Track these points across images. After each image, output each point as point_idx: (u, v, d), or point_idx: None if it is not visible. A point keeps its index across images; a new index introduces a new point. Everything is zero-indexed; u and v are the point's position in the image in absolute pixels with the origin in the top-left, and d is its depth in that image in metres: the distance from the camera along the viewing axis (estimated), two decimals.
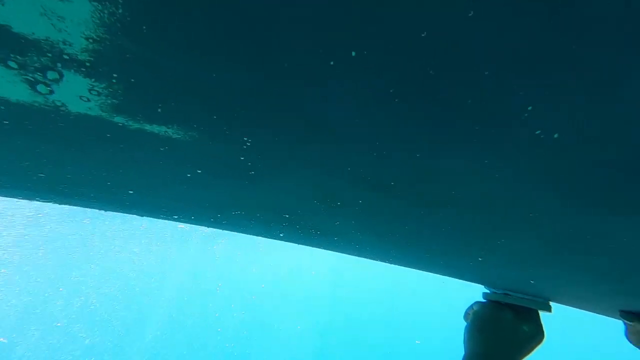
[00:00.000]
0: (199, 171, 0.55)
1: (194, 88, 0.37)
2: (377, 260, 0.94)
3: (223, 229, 0.84)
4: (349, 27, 0.29)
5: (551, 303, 0.86)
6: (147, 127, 0.44)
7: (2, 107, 0.36)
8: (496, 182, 0.44)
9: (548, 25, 0.26)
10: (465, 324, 0.86)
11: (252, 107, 0.39)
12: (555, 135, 0.36)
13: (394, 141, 0.40)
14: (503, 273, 0.72)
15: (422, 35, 0.28)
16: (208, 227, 0.83)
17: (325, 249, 0.92)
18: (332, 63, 0.32)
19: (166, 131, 0.45)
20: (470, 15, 0.26)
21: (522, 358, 0.78)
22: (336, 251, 0.94)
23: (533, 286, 0.75)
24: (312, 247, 0.91)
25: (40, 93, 0.34)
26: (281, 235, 0.84)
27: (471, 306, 0.87)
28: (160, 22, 0.29)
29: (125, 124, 0.41)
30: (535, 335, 0.80)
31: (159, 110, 0.41)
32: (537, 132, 0.36)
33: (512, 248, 0.60)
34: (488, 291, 0.88)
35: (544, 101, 0.33)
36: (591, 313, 0.93)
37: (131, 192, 0.61)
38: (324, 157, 0.47)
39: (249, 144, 0.46)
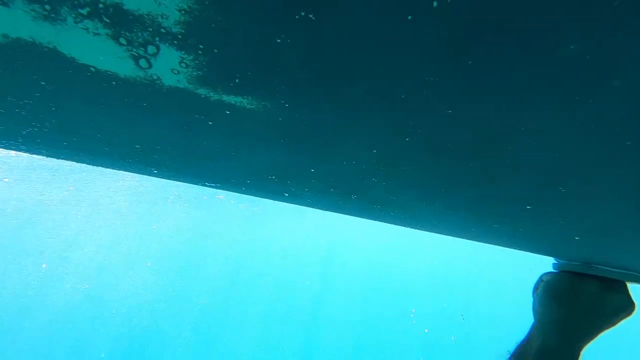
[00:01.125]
0: (266, 140, 0.58)
1: (267, 57, 0.39)
2: (441, 233, 0.94)
3: (283, 201, 0.89)
4: None
5: None
6: (226, 98, 0.47)
7: (113, 83, 0.40)
8: (577, 139, 0.41)
9: None
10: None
11: (319, 72, 0.40)
12: None
13: (465, 95, 0.39)
14: (583, 242, 0.68)
15: None
16: (270, 199, 0.87)
17: (382, 221, 0.93)
18: (410, 17, 0.32)
19: (241, 101, 0.48)
20: None
21: (608, 329, 0.75)
22: (390, 222, 0.95)
23: (619, 257, 0.70)
24: (371, 219, 0.93)
25: (141, 67, 0.38)
26: (339, 205, 0.86)
27: (540, 278, 0.84)
28: None
29: (207, 95, 0.45)
30: (626, 306, 0.76)
31: (237, 80, 0.44)
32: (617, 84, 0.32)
33: (596, 214, 0.56)
34: (560, 262, 0.84)
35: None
36: None
37: (209, 160, 0.66)
38: (388, 120, 0.47)
39: (316, 110, 0.48)
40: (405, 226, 1.01)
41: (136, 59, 0.37)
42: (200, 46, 0.37)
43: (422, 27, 0.31)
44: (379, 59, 0.37)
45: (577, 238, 0.64)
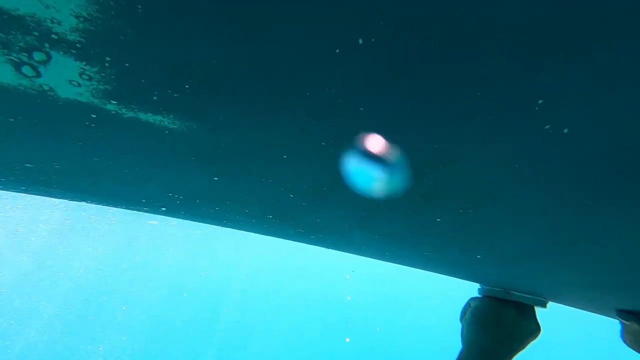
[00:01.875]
0: (193, 163, 0.53)
1: (193, 76, 0.35)
2: (372, 257, 0.94)
3: (214, 224, 0.82)
4: (358, 13, 0.27)
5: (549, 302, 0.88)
6: (142, 115, 0.41)
7: None
8: (499, 175, 0.44)
9: (559, 18, 0.26)
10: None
11: (253, 96, 0.37)
12: (565, 131, 0.36)
13: (395, 130, 0.39)
14: (502, 271, 0.73)
15: (432, 24, 0.28)
16: (198, 222, 0.80)
17: (316, 245, 0.91)
18: (337, 51, 0.31)
19: (162, 120, 0.43)
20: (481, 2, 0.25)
21: (520, 351, 0.81)
22: (328, 247, 0.93)
23: (531, 284, 0.77)
24: (305, 243, 0.90)
25: (25, 75, 0.31)
26: (278, 230, 0.82)
27: (468, 303, 0.88)
28: (157, 2, 0.27)
29: (119, 111, 0.39)
30: (535, 330, 0.84)
31: (155, 98, 0.39)
32: (546, 127, 0.35)
33: (512, 245, 0.60)
34: (484, 287, 0.89)
35: (556, 94, 0.32)
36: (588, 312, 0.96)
37: (120, 183, 0.58)
38: (321, 148, 0.46)
39: (247, 135, 0.45)
40: (342, 251, 1.00)
41: (17, 65, 0.30)
42: (107, 58, 0.32)
43: (349, 60, 0.31)
44: (313, 86, 0.35)
45: (495, 267, 0.69)
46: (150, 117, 0.42)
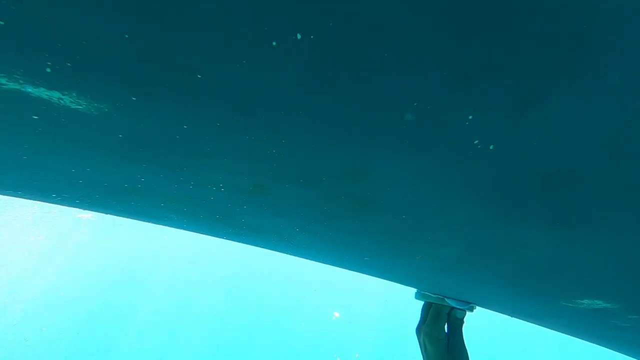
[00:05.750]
0: (106, 150, 0.46)
1: (94, 44, 0.29)
2: (315, 260, 0.92)
3: (139, 220, 0.74)
4: (299, 7, 0.25)
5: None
6: (32, 90, 0.35)
7: None
8: (425, 187, 0.44)
9: (487, 36, 0.26)
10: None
11: (168, 76, 0.33)
12: (491, 147, 0.36)
13: (327, 135, 0.38)
14: (435, 276, 0.74)
15: (367, 32, 0.26)
16: (119, 216, 0.72)
17: (256, 245, 0.87)
18: (274, 44, 0.28)
19: (61, 98, 0.36)
20: (408, 20, 0.25)
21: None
22: (268, 249, 0.90)
23: (462, 290, 0.79)
24: (244, 243, 0.86)
25: None
26: (209, 229, 0.76)
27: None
28: None
29: None
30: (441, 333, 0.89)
31: (48, 70, 0.32)
32: (475, 142, 0.36)
33: (438, 253, 0.61)
34: (420, 292, 0.92)
35: (484, 111, 0.32)
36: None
37: (21, 169, 0.49)
38: (253, 145, 0.42)
39: (172, 122, 0.40)
40: (287, 253, 0.97)
41: None
42: None
43: (286, 54, 0.29)
44: (245, 75, 0.32)
45: (428, 272, 0.71)
46: (44, 93, 0.35)
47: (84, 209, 0.69)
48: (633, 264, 0.50)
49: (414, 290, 0.94)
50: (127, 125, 0.40)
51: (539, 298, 0.74)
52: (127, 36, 0.29)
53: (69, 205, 0.69)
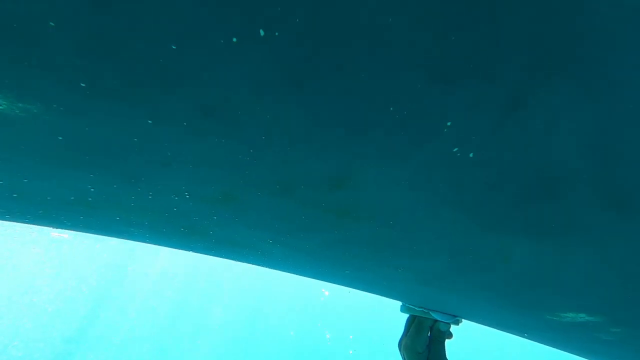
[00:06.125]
0: (41, 158, 0.40)
1: (25, 34, 0.24)
2: (295, 274, 0.87)
3: (96, 234, 0.67)
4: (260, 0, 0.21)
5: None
6: None
7: None
8: (406, 196, 0.42)
9: (467, 39, 0.23)
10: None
11: (113, 70, 0.28)
12: (471, 155, 0.34)
13: (302, 141, 0.35)
14: (419, 289, 0.71)
15: (337, 29, 0.24)
16: (72, 230, 0.65)
17: (228, 258, 0.81)
18: (235, 40, 0.24)
19: None
20: (389, 21, 0.23)
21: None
22: (241, 261, 0.84)
23: (446, 302, 0.76)
24: (215, 256, 0.79)
25: None
26: (176, 242, 0.70)
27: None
28: None
29: None
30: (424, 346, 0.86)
31: None
32: (454, 150, 0.33)
33: (422, 265, 0.58)
34: (405, 305, 0.89)
35: (464, 118, 0.30)
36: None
37: None
38: (220, 151, 0.38)
39: (117, 127, 0.34)
40: (263, 266, 0.91)
41: None
42: None
43: (249, 52, 0.27)
44: (206, 76, 0.28)
45: (411, 285, 0.67)
46: None
47: (27, 223, 0.61)
48: (615, 275, 0.48)
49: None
50: (66, 128, 0.35)
51: (524, 311, 0.72)
52: (52, 24, 0.23)
53: (6, 220, 0.62)
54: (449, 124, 0.31)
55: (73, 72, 0.29)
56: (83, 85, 0.30)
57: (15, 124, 0.34)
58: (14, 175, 0.42)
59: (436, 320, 0.86)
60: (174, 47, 0.27)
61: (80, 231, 0.66)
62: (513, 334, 0.98)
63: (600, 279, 0.51)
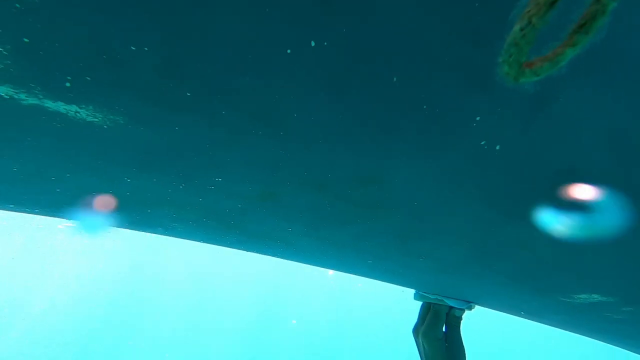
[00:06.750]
0: (119, 162, 0.46)
1: (116, 60, 0.30)
2: (316, 265, 0.92)
3: (142, 231, 0.73)
4: (313, 15, 0.25)
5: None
6: (50, 104, 0.34)
7: None
8: (434, 188, 0.45)
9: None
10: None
11: (184, 86, 0.33)
12: (497, 147, 0.37)
13: (340, 141, 0.39)
14: (438, 278, 0.76)
15: (380, 38, 0.27)
16: (127, 229, 0.71)
17: (261, 253, 0.87)
18: (289, 51, 0.29)
19: (77, 112, 0.36)
20: (421, 25, 0.25)
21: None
22: (269, 255, 0.89)
23: (463, 289, 0.81)
24: (248, 251, 0.85)
25: None
26: (212, 237, 0.76)
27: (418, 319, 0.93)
28: None
29: (16, 97, 0.32)
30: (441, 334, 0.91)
31: (68, 84, 0.32)
32: (482, 143, 0.37)
33: (444, 254, 0.63)
34: (419, 293, 0.93)
35: (494, 113, 0.33)
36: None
37: (24, 183, 0.48)
38: (264, 153, 0.42)
39: (183, 134, 0.40)
40: (289, 259, 0.97)
41: None
42: None
43: (300, 61, 0.29)
44: (260, 85, 0.32)
45: (432, 275, 0.72)
46: (61, 107, 0.35)
47: (127, 228, 0.68)
48: (632, 258, 0.52)
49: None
50: (143, 137, 0.40)
51: (538, 295, 0.76)
52: (146, 49, 0.29)
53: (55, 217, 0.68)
54: (478, 118, 0.33)
55: (152, 90, 0.34)
56: (159, 100, 0.35)
57: (102, 133, 0.39)
58: (88, 175, 0.48)
59: (451, 307, 0.91)
60: (236, 65, 0.30)
61: (131, 229, 0.73)
62: (524, 317, 1.02)
63: (617, 262, 0.54)
